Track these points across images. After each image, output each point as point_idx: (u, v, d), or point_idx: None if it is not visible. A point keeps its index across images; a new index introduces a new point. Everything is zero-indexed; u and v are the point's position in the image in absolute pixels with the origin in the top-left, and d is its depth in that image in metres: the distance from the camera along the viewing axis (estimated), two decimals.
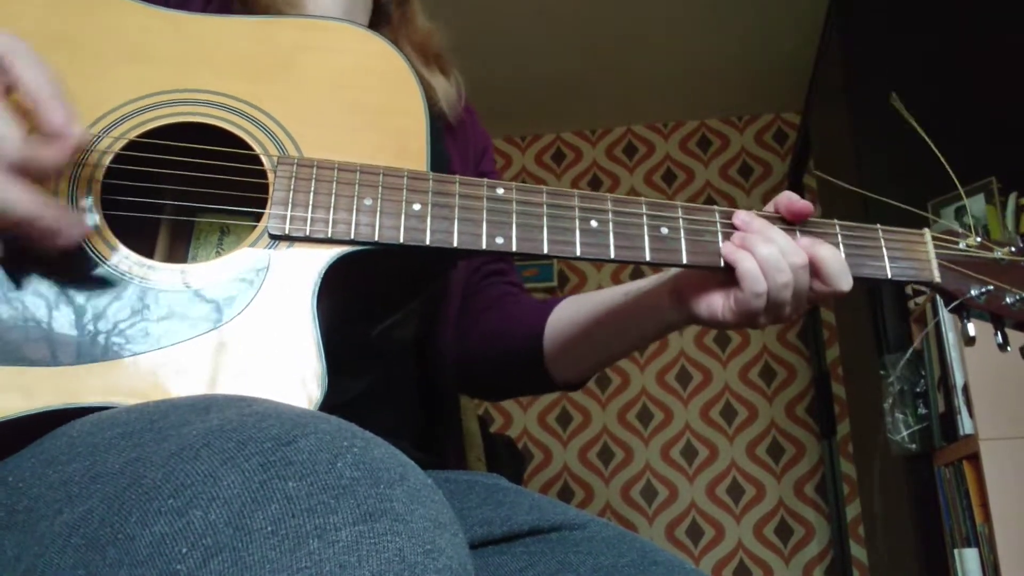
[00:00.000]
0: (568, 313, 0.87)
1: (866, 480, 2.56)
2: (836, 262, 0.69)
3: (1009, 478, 1.57)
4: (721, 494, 3.07)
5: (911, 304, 2.02)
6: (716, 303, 0.71)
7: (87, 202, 0.61)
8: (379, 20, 0.92)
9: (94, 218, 0.60)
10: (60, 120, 0.54)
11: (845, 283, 0.69)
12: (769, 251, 0.67)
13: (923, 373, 1.87)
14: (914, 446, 1.87)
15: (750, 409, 3.15)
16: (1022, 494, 1.56)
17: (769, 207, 0.74)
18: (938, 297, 1.80)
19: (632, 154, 3.51)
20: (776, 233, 0.69)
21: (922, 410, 1.86)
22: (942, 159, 0.82)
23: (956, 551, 1.70)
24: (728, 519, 3.04)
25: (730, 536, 3.02)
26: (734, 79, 3.19)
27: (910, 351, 1.92)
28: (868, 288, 2.20)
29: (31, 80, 0.54)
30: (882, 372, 1.96)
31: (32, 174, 0.54)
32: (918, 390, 1.89)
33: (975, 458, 1.62)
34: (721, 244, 0.70)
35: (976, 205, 1.92)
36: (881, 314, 2.12)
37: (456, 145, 0.93)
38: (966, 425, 1.65)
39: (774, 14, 2.79)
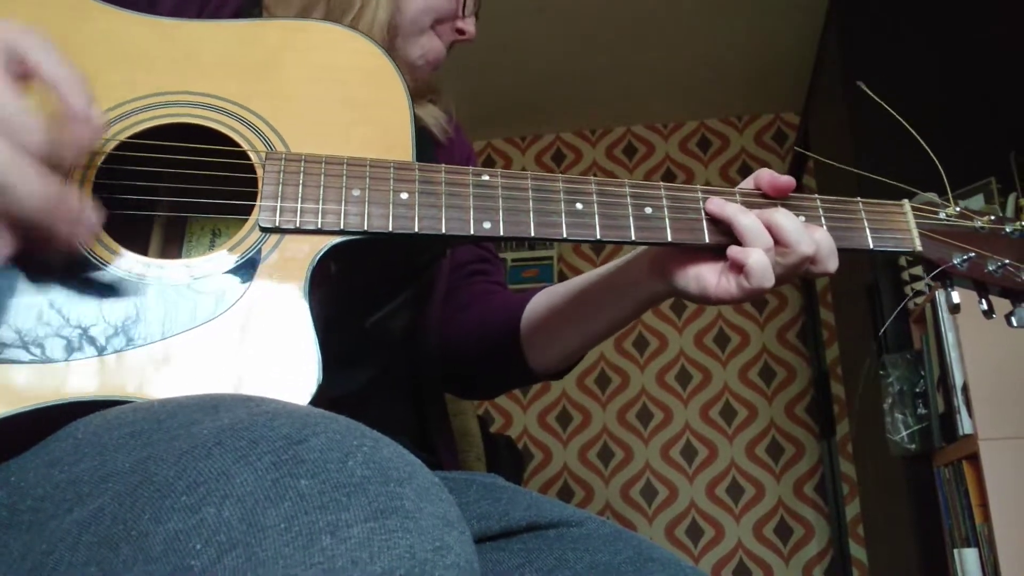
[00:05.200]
0: (544, 298, 0.87)
1: (865, 480, 2.56)
2: (794, 227, 0.70)
3: (1009, 478, 1.57)
4: (721, 494, 3.07)
5: (911, 304, 2.02)
6: (708, 279, 0.71)
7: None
8: None
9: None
10: (82, 105, 0.55)
11: (807, 247, 0.69)
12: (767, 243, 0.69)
13: (923, 373, 1.88)
14: (914, 446, 1.87)
15: (750, 409, 3.15)
16: (1022, 494, 1.56)
17: (748, 182, 0.75)
18: (938, 296, 1.80)
19: (632, 154, 3.51)
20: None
21: (922, 410, 1.87)
22: (928, 149, 0.83)
23: (956, 551, 1.70)
24: (728, 519, 3.04)
25: (730, 536, 3.02)
26: (734, 79, 3.19)
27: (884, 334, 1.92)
28: (867, 289, 2.20)
29: (50, 66, 0.55)
30: (881, 372, 1.96)
31: (55, 161, 0.54)
32: (918, 390, 1.89)
33: (975, 458, 1.62)
34: (707, 233, 0.70)
35: (975, 205, 1.92)
36: (881, 314, 2.13)
37: (442, 156, 0.94)
38: (965, 425, 1.65)
39: (774, 14, 2.79)
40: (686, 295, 0.73)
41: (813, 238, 0.70)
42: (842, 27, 2.41)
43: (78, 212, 0.55)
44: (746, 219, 0.69)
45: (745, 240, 0.69)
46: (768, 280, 0.68)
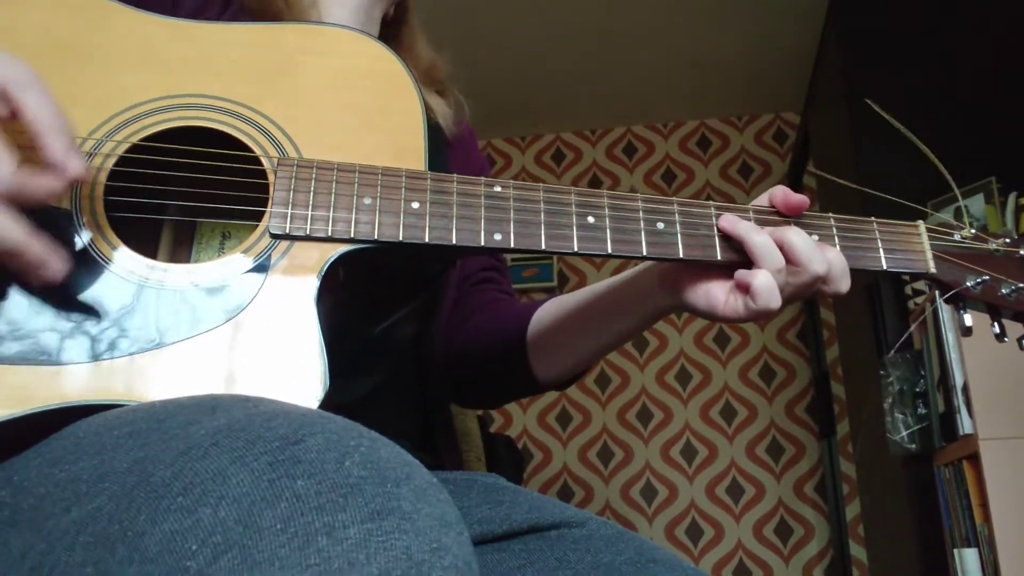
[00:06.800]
0: (552, 308, 0.87)
1: (865, 480, 2.56)
2: (806, 246, 0.69)
3: (1009, 478, 1.57)
4: (721, 494, 3.07)
5: (911, 304, 2.02)
6: (717, 297, 0.71)
7: (89, 206, 0.61)
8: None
9: (86, 237, 0.61)
10: (59, 152, 0.54)
11: (819, 265, 0.69)
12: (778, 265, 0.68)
13: (923, 373, 1.87)
14: (914, 446, 1.87)
15: (750, 409, 3.15)
16: (1022, 494, 1.56)
17: (763, 199, 0.74)
18: (937, 295, 1.80)
19: (632, 154, 3.51)
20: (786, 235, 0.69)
21: (922, 410, 1.87)
22: (934, 159, 0.82)
23: (956, 551, 1.70)
24: (728, 519, 3.04)
25: (730, 536, 3.02)
26: (734, 79, 3.19)
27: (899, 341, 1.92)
28: (867, 288, 2.20)
29: (34, 109, 0.54)
30: (881, 372, 1.96)
31: (23, 204, 0.54)
32: (918, 390, 1.89)
33: (975, 458, 1.62)
34: (719, 250, 0.70)
35: (975, 205, 1.92)
36: (881, 314, 2.13)
37: (456, 162, 0.94)
38: (966, 425, 1.65)
39: (774, 14, 2.79)
40: (694, 310, 0.73)
41: (825, 257, 0.69)
42: (842, 27, 2.41)
43: (39, 257, 0.54)
44: (758, 237, 0.68)
45: (756, 259, 0.68)
46: (774, 301, 0.67)
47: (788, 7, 2.75)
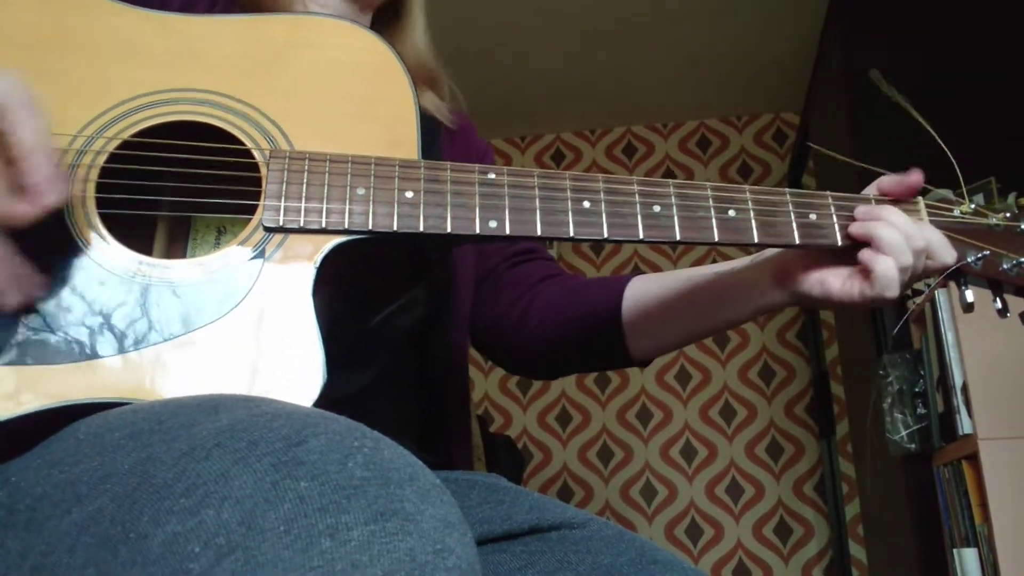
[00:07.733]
0: (652, 289, 0.86)
1: (864, 480, 2.56)
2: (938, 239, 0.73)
3: (1008, 478, 1.57)
4: (720, 494, 3.07)
5: (910, 304, 2.02)
6: (832, 283, 0.73)
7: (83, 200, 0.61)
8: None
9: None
10: (42, 179, 0.54)
11: (949, 257, 0.73)
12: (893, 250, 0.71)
13: (922, 373, 1.88)
14: (913, 446, 1.87)
15: (749, 409, 3.15)
16: (1021, 494, 1.56)
17: (871, 189, 0.77)
18: (936, 294, 1.79)
19: (632, 154, 3.51)
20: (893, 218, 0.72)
21: (921, 410, 1.87)
22: (940, 141, 0.82)
23: (955, 551, 1.70)
24: (727, 519, 3.04)
25: (729, 536, 3.02)
26: (734, 79, 3.19)
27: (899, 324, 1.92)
28: None
29: (22, 132, 0.53)
30: (881, 372, 1.96)
31: (4, 229, 0.54)
32: (917, 390, 1.89)
33: (974, 458, 1.63)
34: (716, 232, 0.71)
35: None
36: (880, 314, 2.13)
37: (453, 150, 0.94)
38: (965, 425, 1.65)
39: (774, 14, 2.79)
40: (808, 299, 0.75)
41: (923, 235, 0.72)
42: (842, 27, 2.40)
43: (13, 281, 0.54)
44: (889, 233, 0.70)
45: (878, 246, 0.70)
46: (893, 289, 0.70)
47: (788, 7, 2.75)
